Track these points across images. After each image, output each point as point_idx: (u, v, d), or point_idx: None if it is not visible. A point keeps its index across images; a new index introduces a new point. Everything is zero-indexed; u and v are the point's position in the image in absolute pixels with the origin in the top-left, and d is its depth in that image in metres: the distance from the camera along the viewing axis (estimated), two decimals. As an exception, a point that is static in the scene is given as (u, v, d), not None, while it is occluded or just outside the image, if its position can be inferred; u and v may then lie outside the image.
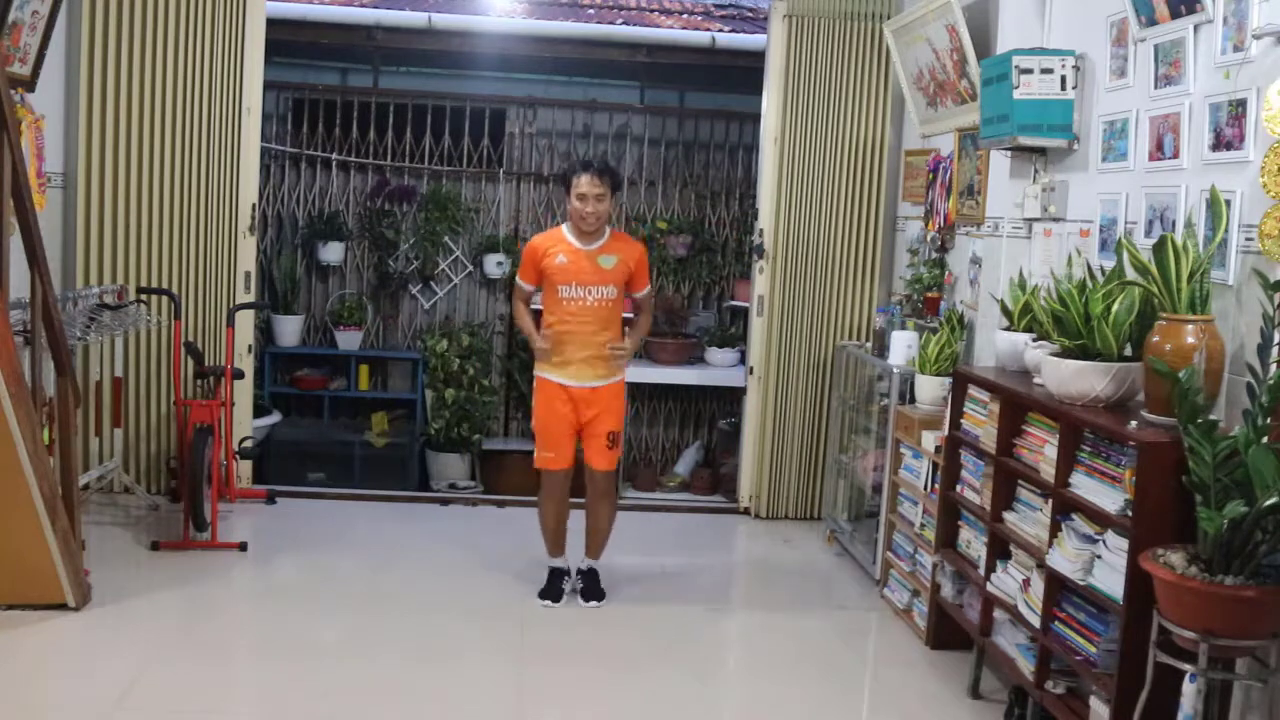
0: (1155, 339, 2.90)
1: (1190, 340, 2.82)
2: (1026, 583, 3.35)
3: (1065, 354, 3.23)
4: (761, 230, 5.65)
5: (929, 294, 4.93)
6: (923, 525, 4.27)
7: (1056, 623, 3.19)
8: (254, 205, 5.47)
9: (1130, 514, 2.83)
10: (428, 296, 7.01)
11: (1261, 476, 2.46)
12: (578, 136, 7.07)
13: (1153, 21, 3.32)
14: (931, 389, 4.37)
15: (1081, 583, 3.02)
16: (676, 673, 3.84)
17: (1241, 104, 2.97)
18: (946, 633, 4.04)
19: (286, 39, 6.22)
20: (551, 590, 4.45)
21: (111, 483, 5.23)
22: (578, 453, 4.44)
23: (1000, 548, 3.57)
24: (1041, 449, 3.31)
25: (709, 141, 7.13)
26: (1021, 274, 3.94)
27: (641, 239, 6.78)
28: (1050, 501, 3.23)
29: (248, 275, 5.47)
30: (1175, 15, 3.22)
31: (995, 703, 3.65)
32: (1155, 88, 3.36)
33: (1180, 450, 2.69)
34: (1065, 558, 3.09)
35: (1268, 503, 2.45)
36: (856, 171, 5.59)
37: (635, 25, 6.90)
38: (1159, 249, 2.92)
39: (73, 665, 3.59)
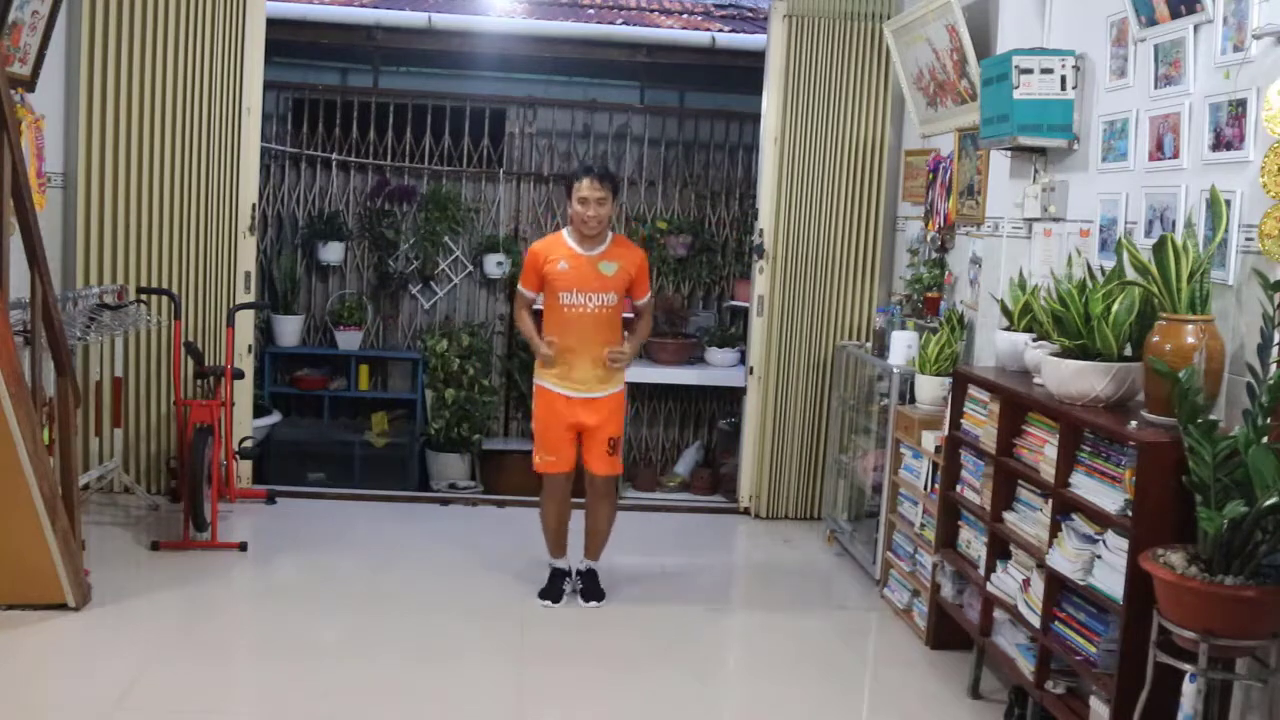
0: (1155, 339, 2.90)
1: (1190, 340, 2.82)
2: (1026, 583, 3.35)
3: (1065, 354, 3.23)
4: (761, 230, 5.65)
5: (929, 294, 4.93)
6: (923, 525, 4.27)
7: (1056, 623, 3.19)
8: (254, 205, 5.47)
9: (1130, 514, 2.83)
10: (428, 296, 7.02)
11: (1261, 476, 2.46)
12: (578, 136, 7.07)
13: (1153, 21, 3.32)
14: (931, 389, 4.37)
15: (1081, 583, 3.02)
16: (676, 673, 3.84)
17: (1241, 104, 2.97)
18: (946, 633, 4.04)
19: (286, 39, 6.22)
20: (552, 590, 4.45)
21: (111, 483, 5.23)
22: (578, 455, 4.45)
23: (1000, 548, 3.57)
24: (1041, 449, 3.31)
25: (709, 141, 7.13)
26: (1021, 274, 3.94)
27: (641, 239, 6.81)
28: (1050, 501, 3.23)
29: (248, 275, 5.47)
30: (1175, 15, 3.22)
31: (995, 703, 3.65)
32: (1155, 88, 3.36)
33: (1180, 450, 2.69)
34: (1065, 558, 3.09)
35: (1268, 503, 2.45)
36: (856, 171, 5.59)
37: (635, 25, 6.90)
38: (1159, 249, 2.92)
39: (73, 665, 3.59)
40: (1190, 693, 2.59)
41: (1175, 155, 3.25)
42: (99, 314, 4.84)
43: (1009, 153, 4.13)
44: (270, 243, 6.84)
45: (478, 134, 6.94)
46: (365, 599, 4.34)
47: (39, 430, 3.80)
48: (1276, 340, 2.64)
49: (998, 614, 3.57)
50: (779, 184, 5.57)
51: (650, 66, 6.87)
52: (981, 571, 3.64)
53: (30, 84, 4.64)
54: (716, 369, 6.54)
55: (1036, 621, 3.25)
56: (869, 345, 5.29)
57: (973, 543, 3.78)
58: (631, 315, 4.60)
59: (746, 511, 5.82)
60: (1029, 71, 3.78)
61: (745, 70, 6.39)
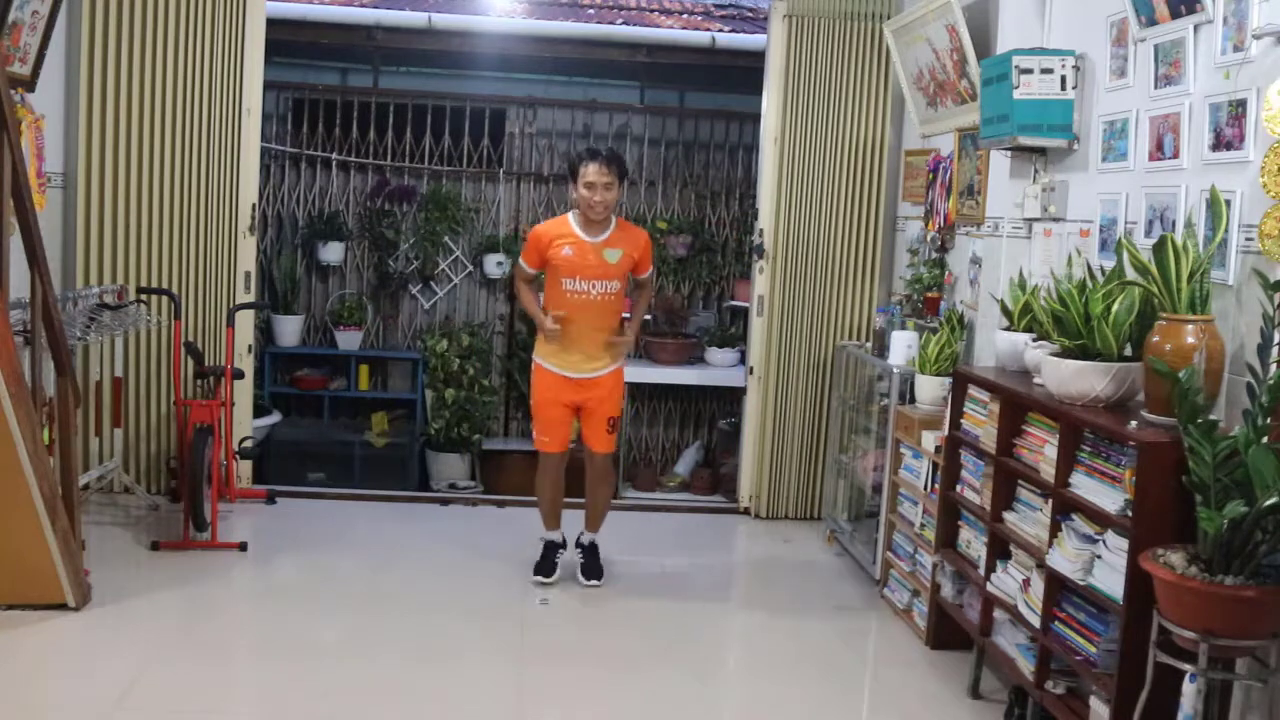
0: (1155, 339, 2.90)
1: (1190, 340, 2.82)
2: (1026, 583, 3.35)
3: (1065, 354, 3.23)
4: (761, 230, 5.65)
5: (929, 294, 4.92)
6: (923, 525, 4.27)
7: (1056, 623, 3.18)
8: (254, 205, 5.47)
9: (1130, 514, 2.83)
10: (428, 296, 7.02)
11: (1261, 476, 2.46)
12: (578, 136, 7.07)
13: (1153, 21, 3.32)
14: (931, 389, 4.37)
15: (1081, 583, 3.02)
16: (676, 673, 3.84)
17: (1241, 104, 2.97)
18: (946, 633, 4.04)
19: (286, 39, 6.22)
20: (545, 565, 4.53)
21: (111, 483, 5.23)
22: (574, 433, 4.53)
23: (1000, 548, 3.57)
24: (1041, 449, 3.31)
25: (709, 141, 7.13)
26: (1021, 274, 3.94)
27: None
28: (1050, 501, 3.23)
29: (248, 275, 5.47)
30: (1175, 15, 3.22)
31: (995, 703, 3.65)
32: (1155, 88, 3.36)
33: (1180, 450, 2.69)
34: (1065, 558, 3.09)
35: (1268, 503, 2.45)
36: (856, 171, 5.59)
37: (635, 25, 6.90)
38: (1159, 249, 2.92)
39: (73, 665, 3.59)
40: (1190, 693, 2.59)
41: (1175, 155, 3.25)
42: (99, 314, 4.84)
43: (1009, 153, 4.13)
44: (270, 243, 6.84)
45: (478, 134, 6.94)
46: (365, 599, 4.34)
47: (39, 430, 3.80)
48: (1276, 340, 2.64)
49: (998, 614, 3.57)
50: (779, 184, 5.57)
51: (650, 66, 6.87)
52: (981, 571, 3.64)
53: (30, 84, 4.64)
54: (716, 369, 6.54)
55: (1036, 621, 3.25)
56: (869, 345, 5.29)
57: (973, 543, 3.78)
58: (632, 290, 4.63)
59: (746, 511, 5.82)
60: (1029, 71, 3.78)
61: (745, 70, 6.39)
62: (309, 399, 6.87)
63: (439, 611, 4.27)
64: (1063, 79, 3.79)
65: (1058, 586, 3.18)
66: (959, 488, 3.86)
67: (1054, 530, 3.18)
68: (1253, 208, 2.91)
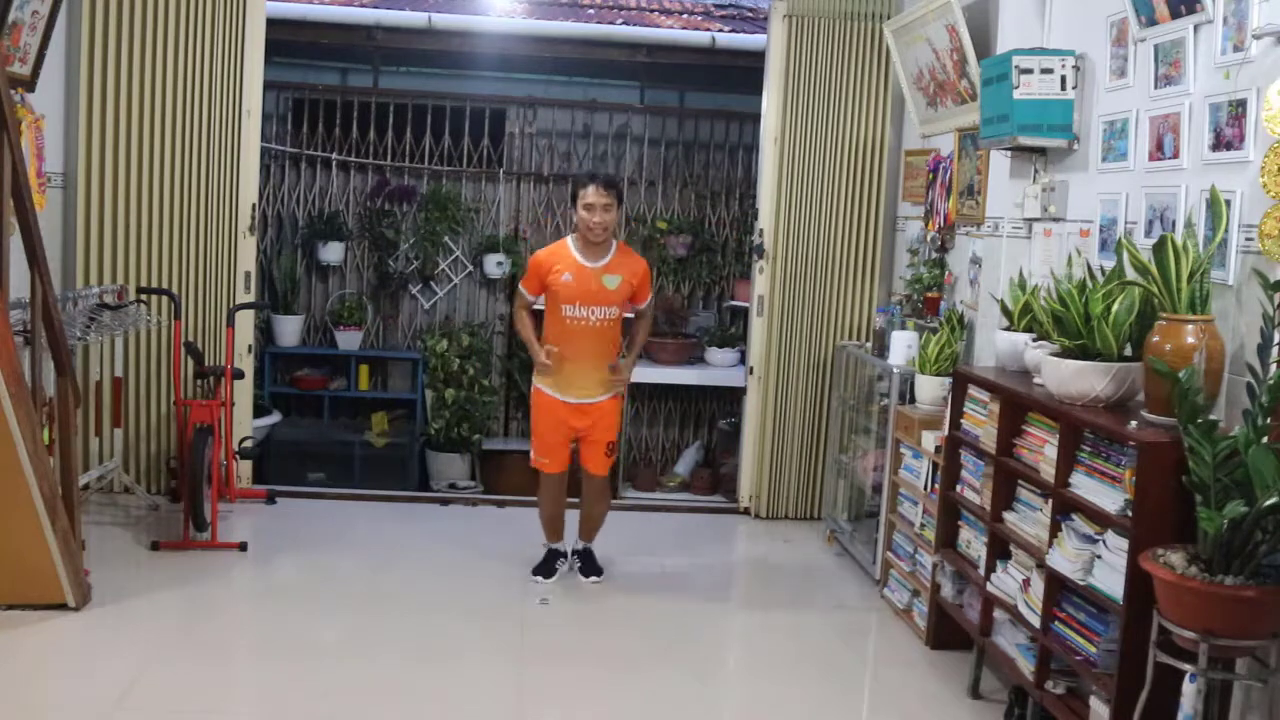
0: (1155, 339, 2.90)
1: (1190, 340, 2.82)
2: (1026, 583, 3.35)
3: (1065, 354, 3.23)
4: (761, 230, 5.65)
5: (929, 294, 4.92)
6: (923, 525, 4.27)
7: (1056, 623, 3.18)
8: (254, 205, 5.47)
9: (1130, 514, 2.83)
10: (428, 296, 7.01)
11: (1261, 476, 2.46)
12: (578, 136, 7.07)
13: (1153, 21, 3.32)
14: (931, 389, 4.37)
15: (1081, 583, 3.02)
16: (676, 673, 3.84)
17: (1241, 104, 2.97)
18: (946, 633, 4.04)
19: (286, 39, 6.22)
20: (545, 567, 4.57)
21: (111, 483, 5.23)
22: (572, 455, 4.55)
23: (1000, 548, 3.57)
24: (1041, 449, 3.31)
25: (709, 141, 7.12)
26: (1021, 274, 3.94)
27: (642, 239, 6.82)
28: (1050, 501, 3.23)
29: (248, 275, 5.47)
30: (1175, 15, 3.22)
31: (995, 703, 3.65)
32: (1155, 88, 3.36)
33: (1180, 450, 2.69)
34: (1065, 558, 3.09)
35: (1268, 503, 2.45)
36: (856, 171, 5.58)
37: (635, 25, 6.90)
38: (1159, 249, 2.92)
39: (73, 665, 3.59)
40: (1190, 693, 2.59)
41: (1175, 155, 3.25)
42: (99, 314, 4.84)
43: (1009, 153, 4.13)
44: (270, 243, 6.84)
45: (478, 134, 6.94)
46: (365, 599, 4.34)
47: (39, 430, 3.80)
48: (1276, 340, 2.64)
49: (998, 614, 3.57)
50: (779, 184, 5.57)
51: (650, 66, 6.87)
52: (981, 571, 3.64)
53: (30, 84, 4.64)
54: (716, 369, 6.54)
55: (1036, 621, 3.25)
56: (869, 345, 5.29)
57: (973, 543, 3.78)
58: (632, 318, 4.62)
59: (746, 511, 5.82)
60: (1029, 71, 3.78)
61: (745, 70, 6.38)
62: (309, 399, 6.87)
63: (439, 611, 4.27)
64: (1063, 79, 3.79)
65: (1058, 586, 3.18)
66: (959, 488, 3.86)
67: (1054, 530, 3.18)
68: (1253, 208, 2.91)
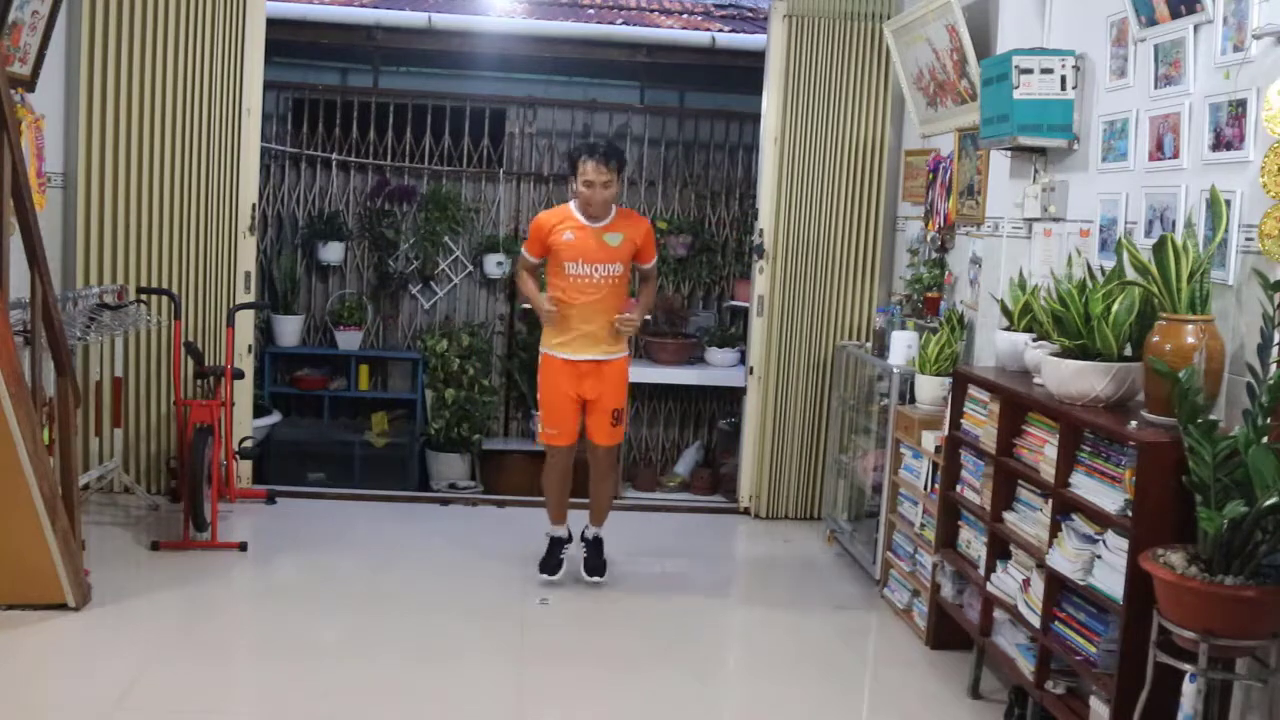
0: (1155, 339, 2.90)
1: (1190, 340, 2.82)
2: (1026, 583, 3.35)
3: (1065, 354, 3.23)
4: (761, 230, 5.65)
5: (929, 294, 4.92)
6: (923, 525, 4.27)
7: (1056, 623, 3.18)
8: (254, 205, 5.47)
9: (1130, 514, 2.83)
10: (428, 296, 7.02)
11: (1261, 476, 2.46)
12: (578, 136, 7.06)
13: (1153, 21, 3.32)
14: (931, 389, 4.37)
15: (1081, 583, 3.02)
16: (676, 673, 3.84)
17: (1241, 104, 2.97)
18: (946, 633, 4.04)
19: (286, 39, 6.22)
20: (550, 562, 4.53)
21: (111, 483, 5.23)
22: (581, 428, 4.51)
23: (1000, 548, 3.57)
24: (1041, 449, 3.31)
25: (709, 141, 7.13)
26: (1021, 274, 3.94)
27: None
28: (1050, 501, 3.23)
29: (248, 275, 5.47)
30: (1175, 15, 3.22)
31: (995, 703, 3.65)
32: (1155, 88, 3.36)
33: (1180, 450, 2.69)
34: (1065, 558, 3.09)
35: (1268, 503, 2.45)
36: (856, 171, 5.58)
37: (635, 25, 6.90)
38: (1159, 249, 2.92)
39: (73, 665, 3.59)
40: (1190, 693, 2.59)
41: (1175, 155, 3.25)
42: (99, 314, 4.84)
43: (1009, 153, 4.13)
44: (270, 243, 6.84)
45: (478, 134, 6.94)
46: (365, 599, 4.34)
47: (39, 430, 3.80)
48: (1276, 340, 2.64)
49: (998, 614, 3.57)
50: (779, 184, 5.57)
51: (650, 66, 6.87)
52: (981, 571, 3.64)
53: (30, 84, 4.64)
54: (716, 369, 6.54)
55: (1036, 621, 3.25)
56: (869, 345, 5.29)
57: (973, 543, 3.78)
58: (638, 284, 4.65)
59: (746, 511, 5.82)
60: (1029, 71, 3.78)
61: (745, 70, 6.38)
62: (309, 399, 6.87)
63: (439, 611, 4.26)
64: (1063, 79, 3.79)
65: (1058, 586, 3.18)
66: (959, 488, 3.86)
67: (1054, 530, 3.18)
68: (1253, 208, 2.91)
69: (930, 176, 5.05)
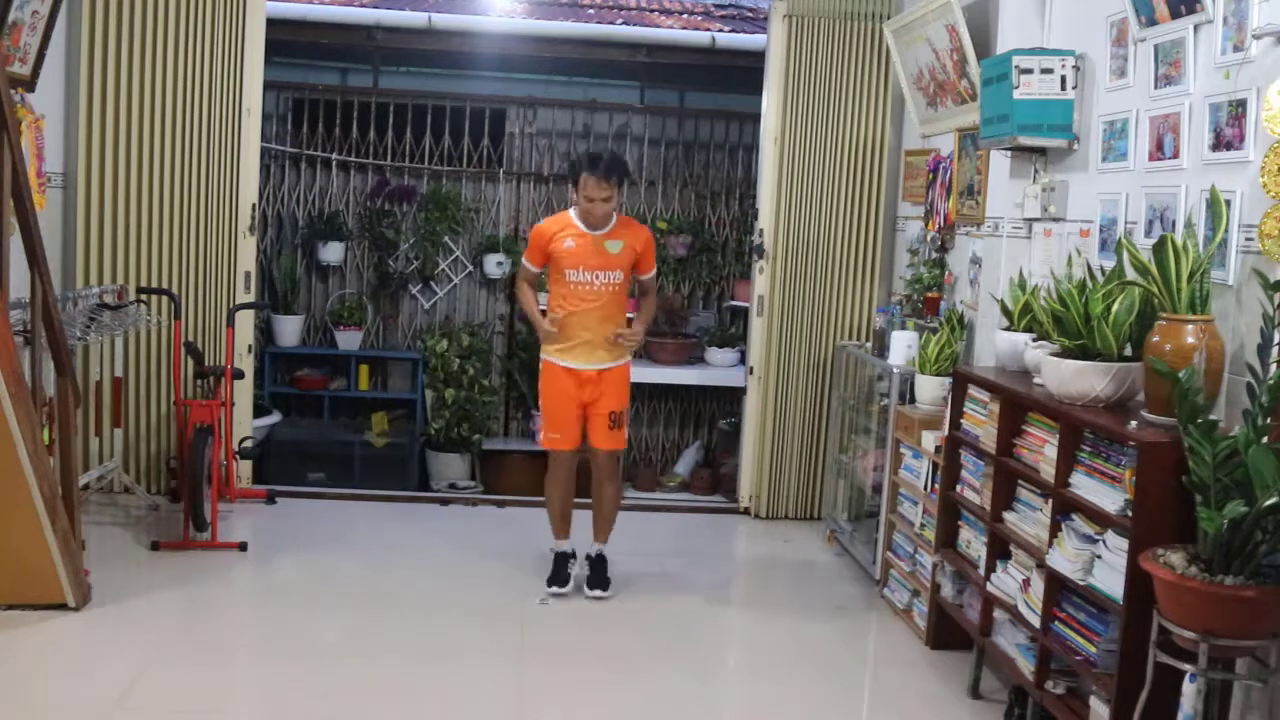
0: (1155, 339, 2.90)
1: (1190, 340, 2.82)
2: (1026, 583, 3.35)
3: (1065, 354, 3.23)
4: (761, 230, 5.65)
5: (929, 294, 4.93)
6: (923, 525, 4.27)
7: (1056, 623, 3.18)
8: (254, 205, 5.47)
9: (1130, 514, 2.83)
10: (428, 296, 7.02)
11: (1261, 476, 2.46)
12: (578, 136, 7.07)
13: (1153, 21, 3.32)
14: (931, 389, 4.37)
15: (1081, 583, 3.02)
16: (676, 673, 3.84)
17: (1241, 104, 2.97)
18: (946, 633, 4.04)
19: (286, 39, 6.22)
20: (559, 576, 4.49)
21: (111, 483, 5.23)
22: (583, 432, 4.49)
23: (1000, 548, 3.57)
24: (1041, 449, 3.31)
25: (709, 141, 7.13)
26: (1021, 274, 3.94)
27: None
28: (1050, 501, 3.23)
29: (248, 275, 5.47)
30: (1175, 15, 3.22)
31: (995, 703, 3.65)
32: (1155, 88, 3.36)
33: (1180, 450, 2.69)
34: (1065, 558, 3.09)
35: (1268, 503, 2.45)
36: (856, 171, 5.59)
37: (635, 25, 6.90)
38: (1159, 249, 2.92)
39: (73, 665, 3.59)
40: (1190, 693, 2.59)
41: (1175, 155, 3.25)
42: (99, 314, 4.84)
43: (1009, 153, 4.13)
44: (270, 243, 6.84)
45: (478, 134, 6.94)
46: (365, 599, 4.34)
47: (39, 430, 3.80)
48: (1276, 340, 2.64)
49: (998, 614, 3.57)
50: (779, 184, 5.57)
51: (650, 66, 6.87)
52: (981, 571, 3.64)
53: (30, 84, 4.64)
54: (716, 369, 6.55)
55: (1036, 621, 3.25)
56: (869, 345, 5.29)
57: (973, 543, 3.78)
58: (637, 297, 4.64)
59: (746, 511, 5.82)
60: (1029, 71, 3.78)
61: (745, 70, 6.39)
62: (309, 399, 6.87)
63: (439, 611, 4.26)
64: (1063, 79, 3.79)
65: (1058, 586, 3.18)
66: (959, 488, 3.86)
67: (1054, 530, 3.18)
68: (1253, 208, 2.91)
69: (930, 176, 5.05)
